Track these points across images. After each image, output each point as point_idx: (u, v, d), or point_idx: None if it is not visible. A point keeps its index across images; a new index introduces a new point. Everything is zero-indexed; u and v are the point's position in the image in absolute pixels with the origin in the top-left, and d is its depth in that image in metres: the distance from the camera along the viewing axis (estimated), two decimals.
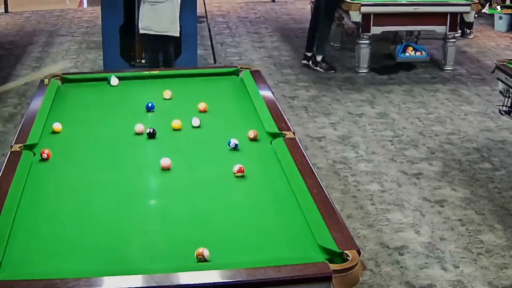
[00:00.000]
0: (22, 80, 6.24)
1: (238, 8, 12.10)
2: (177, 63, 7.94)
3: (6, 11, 11.93)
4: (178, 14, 7.23)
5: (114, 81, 5.17)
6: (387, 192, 5.65)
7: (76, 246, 3.09)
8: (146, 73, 5.62)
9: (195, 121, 4.42)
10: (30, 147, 4.04)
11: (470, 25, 9.90)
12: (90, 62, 8.95)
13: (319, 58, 8.65)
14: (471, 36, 10.01)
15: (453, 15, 8.40)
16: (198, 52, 8.36)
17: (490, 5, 10.18)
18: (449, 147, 6.54)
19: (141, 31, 7.27)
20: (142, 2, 7.19)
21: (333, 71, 8.66)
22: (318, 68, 8.65)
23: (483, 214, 5.32)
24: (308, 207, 3.29)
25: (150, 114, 4.69)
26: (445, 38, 8.55)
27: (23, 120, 4.55)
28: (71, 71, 8.04)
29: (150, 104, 4.72)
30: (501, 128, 6.97)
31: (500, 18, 10.64)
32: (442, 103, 7.67)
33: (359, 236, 4.95)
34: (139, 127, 4.28)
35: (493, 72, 6.17)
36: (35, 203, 3.45)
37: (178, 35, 7.27)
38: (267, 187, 3.64)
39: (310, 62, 8.72)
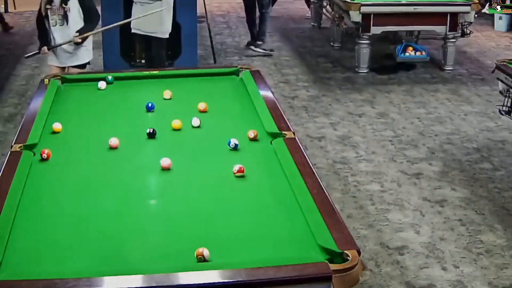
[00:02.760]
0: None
1: (238, 8, 12.10)
2: (177, 63, 7.95)
3: (6, 11, 11.93)
4: (168, 15, 7.24)
5: (101, 84, 5.15)
6: (387, 192, 5.65)
7: (76, 246, 3.09)
8: (146, 73, 5.62)
9: (195, 121, 4.42)
10: (30, 147, 4.04)
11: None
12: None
13: (260, 42, 9.48)
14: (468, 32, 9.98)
15: (453, 15, 8.41)
16: (198, 52, 8.37)
17: (490, 5, 10.18)
18: (449, 147, 6.54)
19: (132, 30, 7.36)
20: (133, 2, 7.23)
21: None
22: (259, 50, 9.42)
23: (483, 214, 5.32)
24: (308, 207, 3.29)
25: (150, 114, 4.69)
26: (445, 38, 8.56)
27: (23, 120, 4.55)
28: None
29: (150, 104, 4.72)
30: (501, 128, 6.97)
31: (500, 18, 10.64)
32: (442, 103, 7.67)
33: (359, 236, 4.95)
34: (113, 141, 4.10)
35: (493, 72, 6.17)
36: (35, 203, 3.45)
37: (165, 36, 7.29)
38: (267, 187, 3.64)
39: (252, 47, 9.49)
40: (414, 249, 4.84)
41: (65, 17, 6.30)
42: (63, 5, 6.27)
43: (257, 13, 9.66)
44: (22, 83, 8.24)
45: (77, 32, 6.30)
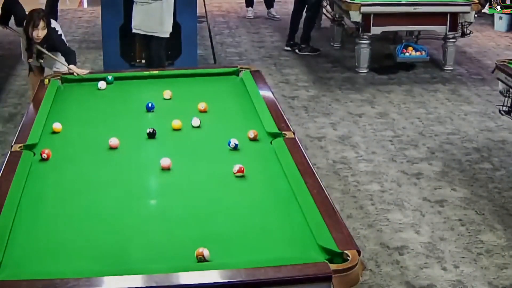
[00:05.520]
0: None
1: (238, 8, 12.10)
2: (177, 63, 7.95)
3: None
4: (169, 15, 7.24)
5: (101, 84, 5.16)
6: (387, 192, 5.65)
7: (76, 246, 3.09)
8: (146, 73, 5.63)
9: (195, 121, 4.42)
10: (30, 147, 4.05)
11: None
12: (90, 62, 8.95)
13: (304, 44, 9.43)
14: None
15: (453, 15, 8.40)
16: (198, 52, 8.37)
17: (490, 5, 10.17)
18: (449, 147, 6.54)
19: (133, 30, 7.36)
20: (134, 2, 7.23)
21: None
22: (304, 53, 9.35)
23: (483, 214, 5.32)
24: (308, 207, 3.30)
25: (150, 114, 4.70)
26: (445, 38, 8.56)
27: (23, 120, 4.55)
28: None
29: (150, 104, 4.72)
30: (501, 128, 6.96)
31: (500, 18, 10.64)
32: (442, 103, 7.67)
33: (359, 236, 4.95)
34: (113, 141, 4.11)
35: (493, 72, 6.17)
36: (35, 203, 3.46)
37: (166, 36, 7.29)
38: (267, 187, 3.64)
39: (296, 50, 9.46)
40: (414, 249, 4.84)
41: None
42: (40, 60, 6.24)
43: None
44: (22, 83, 8.24)
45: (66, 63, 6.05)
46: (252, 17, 11.35)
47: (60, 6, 10.32)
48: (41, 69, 6.47)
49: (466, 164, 6.17)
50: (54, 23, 6.37)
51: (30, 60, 6.30)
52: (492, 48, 9.79)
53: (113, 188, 3.64)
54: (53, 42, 6.11)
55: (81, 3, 12.67)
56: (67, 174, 3.82)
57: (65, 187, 3.66)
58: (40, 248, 3.07)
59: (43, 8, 9.43)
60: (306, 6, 9.35)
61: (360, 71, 8.58)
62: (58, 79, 5.31)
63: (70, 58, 5.96)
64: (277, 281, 2.77)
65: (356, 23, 8.34)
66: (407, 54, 8.52)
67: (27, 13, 6.41)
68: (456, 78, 8.52)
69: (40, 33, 5.98)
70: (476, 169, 6.09)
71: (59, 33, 6.31)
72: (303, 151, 3.95)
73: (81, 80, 5.39)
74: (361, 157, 6.30)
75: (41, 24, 5.96)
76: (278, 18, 11.16)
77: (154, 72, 5.67)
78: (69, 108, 4.84)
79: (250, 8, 11.43)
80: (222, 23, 11.17)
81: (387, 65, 8.82)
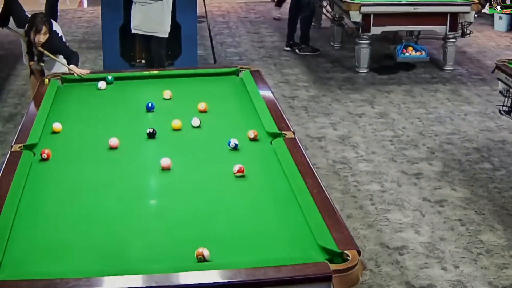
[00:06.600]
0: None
1: (238, 8, 12.11)
2: (177, 63, 7.95)
3: None
4: (168, 15, 7.25)
5: (101, 84, 5.16)
6: (387, 192, 5.65)
7: (76, 246, 3.09)
8: (146, 73, 5.63)
9: (195, 121, 4.42)
10: (30, 147, 4.05)
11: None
12: (90, 62, 8.95)
13: (304, 44, 9.47)
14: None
15: (453, 15, 8.41)
16: (198, 52, 8.37)
17: (490, 5, 10.17)
18: (449, 147, 6.54)
19: (132, 31, 7.36)
20: (133, 2, 7.23)
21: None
22: (304, 53, 9.37)
23: (483, 214, 5.32)
24: (308, 207, 3.30)
25: (150, 114, 4.70)
26: (445, 38, 8.56)
27: (23, 120, 4.55)
28: None
29: (150, 104, 4.72)
30: (501, 128, 6.97)
31: (500, 18, 10.64)
32: (442, 103, 7.67)
33: (359, 236, 4.95)
34: (113, 141, 4.11)
35: (493, 72, 6.17)
36: (35, 203, 3.46)
37: (166, 36, 7.30)
38: (267, 187, 3.64)
39: (296, 50, 9.48)
40: (414, 249, 4.84)
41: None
42: (41, 64, 6.23)
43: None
44: (22, 83, 8.24)
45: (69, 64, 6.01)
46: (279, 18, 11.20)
47: (60, 6, 10.31)
48: (42, 73, 6.45)
49: (466, 164, 6.17)
50: (54, 25, 6.36)
51: (31, 63, 6.29)
52: (492, 48, 9.79)
53: (113, 188, 3.64)
54: (54, 46, 6.10)
55: (81, 3, 12.67)
56: (67, 174, 3.82)
57: (65, 187, 3.66)
58: (40, 248, 3.07)
59: (43, 7, 9.48)
60: (302, 5, 9.36)
61: (360, 71, 8.59)
62: (58, 79, 5.31)
63: (73, 60, 5.95)
64: (277, 281, 2.77)
65: (356, 23, 8.34)
66: (407, 54, 8.52)
67: (27, 13, 6.41)
68: (456, 78, 8.52)
69: (42, 38, 5.97)
70: (476, 169, 6.09)
71: (59, 35, 6.30)
72: (303, 151, 3.95)
73: (80, 80, 5.39)
74: (361, 157, 6.30)
75: (44, 29, 5.96)
76: (278, 17, 11.18)
77: (154, 72, 5.67)
78: (69, 108, 4.84)
79: (278, 7, 11.35)
80: (222, 23, 11.17)
81: (387, 65, 8.83)
